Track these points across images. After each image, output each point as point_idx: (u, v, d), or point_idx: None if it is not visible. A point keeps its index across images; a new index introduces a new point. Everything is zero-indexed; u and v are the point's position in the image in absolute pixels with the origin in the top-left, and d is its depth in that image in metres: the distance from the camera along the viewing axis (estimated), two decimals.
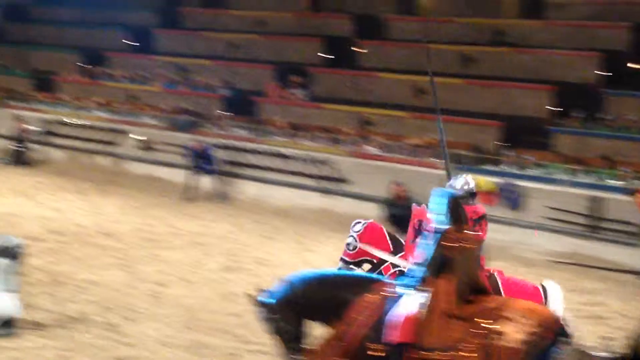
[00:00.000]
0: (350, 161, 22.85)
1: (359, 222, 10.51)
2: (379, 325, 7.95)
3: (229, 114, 26.40)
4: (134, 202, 21.69)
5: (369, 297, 8.13)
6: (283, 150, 23.71)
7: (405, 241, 10.09)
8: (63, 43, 34.26)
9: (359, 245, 10.31)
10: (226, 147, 24.01)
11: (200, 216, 20.60)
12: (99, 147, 25.99)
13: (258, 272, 15.38)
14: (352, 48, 27.86)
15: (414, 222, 10.01)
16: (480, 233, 9.36)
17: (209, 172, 22.73)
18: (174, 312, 12.88)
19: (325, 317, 8.31)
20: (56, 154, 26.61)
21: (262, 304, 8.65)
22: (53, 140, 26.80)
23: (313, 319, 8.51)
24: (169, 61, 30.22)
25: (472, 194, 10.08)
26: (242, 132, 25.20)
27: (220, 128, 25.53)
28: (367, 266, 10.24)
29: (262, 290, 8.74)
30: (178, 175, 23.56)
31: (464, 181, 10.19)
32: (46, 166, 25.82)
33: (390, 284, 8.25)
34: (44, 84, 32.02)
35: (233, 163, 23.81)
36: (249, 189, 23.37)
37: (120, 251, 16.54)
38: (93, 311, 12.68)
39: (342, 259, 10.43)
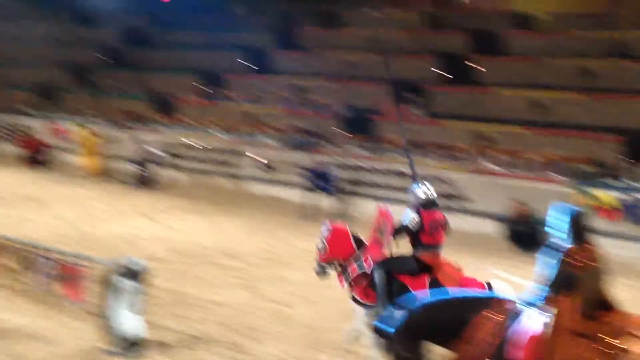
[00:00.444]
0: (469, 178, 22.67)
1: (325, 226, 11.75)
2: (501, 344, 7.89)
3: (346, 132, 26.47)
4: (255, 222, 21.90)
5: (489, 316, 8.07)
6: (401, 168, 23.65)
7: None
8: (182, 66, 34.87)
9: (327, 246, 11.59)
10: (344, 166, 24.08)
11: None
12: (219, 168, 26.34)
13: None
14: (469, 64, 27.69)
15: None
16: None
17: (328, 191, 22.80)
18: (297, 332, 12.96)
19: (445, 340, 8.26)
20: (178, 176, 27.07)
21: (381, 333, 8.61)
22: (174, 162, 27.26)
23: (432, 342, 8.46)
24: (287, 81, 30.48)
25: (433, 202, 11.20)
26: (360, 151, 25.23)
27: (338, 147, 25.60)
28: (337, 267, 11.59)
29: (380, 318, 8.72)
30: (298, 195, 23.70)
31: (425, 188, 11.25)
32: (168, 188, 26.27)
33: (510, 301, 8.18)
34: (164, 107, 32.62)
35: (352, 182, 23.85)
36: (368, 208, 23.35)
37: (242, 271, 16.72)
38: (217, 331, 12.86)
39: (316, 262, 11.75)
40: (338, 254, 11.67)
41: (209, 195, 25.08)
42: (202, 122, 29.36)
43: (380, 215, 11.56)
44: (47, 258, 12.82)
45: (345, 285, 11.65)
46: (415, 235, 11.16)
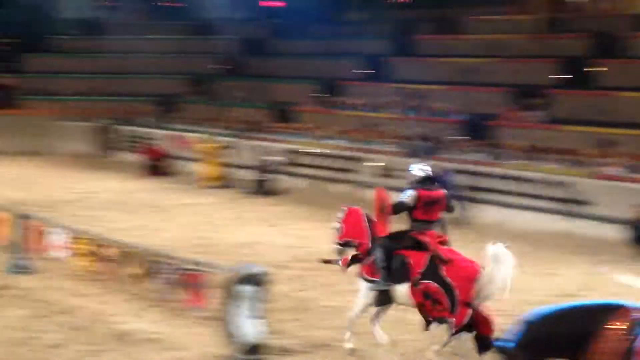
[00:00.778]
0: (592, 183, 22.25)
1: (343, 209, 12.60)
2: (628, 353, 7.68)
3: (465, 138, 26.28)
4: None
5: (614, 325, 7.85)
6: (521, 174, 23.37)
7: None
8: (300, 74, 35.18)
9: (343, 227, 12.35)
10: (464, 172, 23.89)
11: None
12: (338, 175, 26.43)
13: (503, 298, 15.17)
14: (590, 68, 27.24)
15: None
16: None
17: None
18: (415, 337, 12.90)
19: (568, 353, 8.03)
20: (297, 183, 27.25)
21: (502, 350, 8.45)
22: (294, 170, 27.46)
23: (555, 356, 8.24)
24: (404, 88, 30.44)
25: (429, 180, 11.92)
26: (479, 157, 25.01)
27: (457, 153, 25.43)
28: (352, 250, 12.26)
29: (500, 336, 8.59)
30: None
31: (421, 167, 12.07)
32: (288, 195, 26.47)
33: (636, 309, 7.95)
34: (283, 115, 32.91)
35: (471, 188, 23.66)
36: (488, 214, 23.14)
37: None
38: (339, 337, 12.88)
39: (334, 242, 12.49)
40: (352, 234, 12.30)
41: (328, 201, 25.11)
42: (322, 129, 29.50)
43: (379, 195, 12.23)
44: (170, 265, 13.05)
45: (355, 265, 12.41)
46: (410, 211, 11.75)
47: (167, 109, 36.27)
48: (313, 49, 36.68)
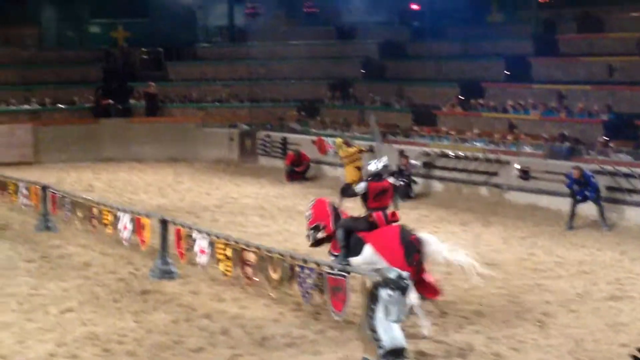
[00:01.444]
0: None
1: (311, 199, 15.71)
2: None
3: (609, 139, 25.65)
4: (515, 231, 21.58)
5: None
6: None
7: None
8: (441, 76, 34.99)
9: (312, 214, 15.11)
10: (608, 173, 23.32)
11: (584, 244, 20.11)
12: (480, 177, 26.16)
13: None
14: None
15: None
16: None
17: (591, 199, 22.14)
18: (559, 342, 12.69)
19: None
20: (438, 186, 27.08)
21: None
22: (434, 173, 27.29)
23: None
24: (547, 89, 29.94)
25: (379, 174, 14.45)
26: (624, 157, 24.35)
27: (601, 154, 24.83)
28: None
29: None
30: (560, 204, 23.19)
31: (375, 164, 14.53)
32: (429, 199, 26.33)
33: None
34: (424, 118, 32.74)
35: (616, 189, 23.07)
36: (633, 215, 22.51)
37: (504, 281, 16.52)
38: (479, 341, 12.78)
39: (306, 229, 15.34)
40: (319, 218, 14.98)
41: (470, 205, 24.93)
42: (463, 132, 29.25)
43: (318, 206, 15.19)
44: (309, 269, 13.11)
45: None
46: (364, 200, 14.42)
47: (308, 113, 36.53)
48: (453, 50, 36.44)
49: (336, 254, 14.45)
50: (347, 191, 15.44)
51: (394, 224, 14.33)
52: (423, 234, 14.25)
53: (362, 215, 14.56)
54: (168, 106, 38.77)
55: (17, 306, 14.93)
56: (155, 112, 38.12)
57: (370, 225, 14.23)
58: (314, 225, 15.08)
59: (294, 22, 43.46)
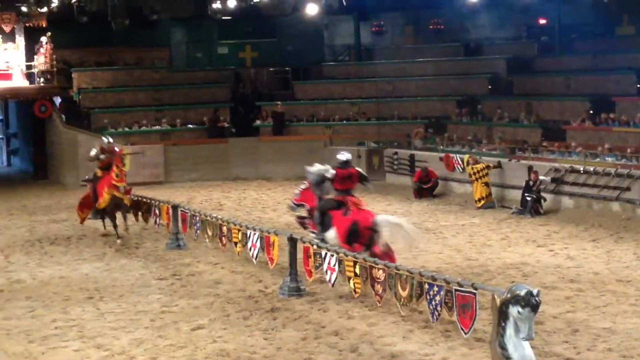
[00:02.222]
0: None
1: (302, 184, 19.70)
2: None
3: None
4: None
5: None
6: None
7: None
8: (570, 91, 34.47)
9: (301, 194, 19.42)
10: None
11: None
12: (611, 193, 25.61)
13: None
14: None
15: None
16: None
17: None
18: None
19: None
20: (568, 202, 26.62)
21: None
22: (564, 189, 26.84)
23: None
24: None
25: (346, 162, 18.19)
26: None
27: None
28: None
29: None
30: None
31: (342, 154, 18.51)
32: (558, 215, 25.91)
33: None
34: (553, 133, 32.28)
35: None
36: None
37: (636, 298, 16.14)
38: (607, 358, 12.51)
39: (291, 201, 20.15)
40: (306, 201, 19.13)
41: (601, 221, 24.42)
42: (592, 147, 28.74)
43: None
44: (438, 286, 13.04)
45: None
46: (332, 184, 17.93)
47: (435, 130, 36.40)
48: (583, 64, 35.87)
49: (315, 231, 18.31)
50: (320, 179, 18.09)
51: (364, 210, 17.58)
52: (381, 216, 17.45)
53: (331, 197, 18.05)
54: (295, 125, 39.10)
55: (149, 323, 15.26)
56: (282, 131, 38.49)
57: (337, 203, 17.70)
58: (299, 202, 19.50)
59: (420, 39, 43.47)
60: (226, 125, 38.48)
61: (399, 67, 40.90)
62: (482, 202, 27.80)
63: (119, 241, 22.67)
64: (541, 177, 26.46)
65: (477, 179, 28.14)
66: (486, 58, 40.26)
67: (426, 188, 30.46)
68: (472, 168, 28.41)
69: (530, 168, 27.35)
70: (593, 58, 35.64)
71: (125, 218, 23.20)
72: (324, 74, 42.76)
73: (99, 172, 23.41)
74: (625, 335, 13.84)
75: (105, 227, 23.88)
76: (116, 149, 23.49)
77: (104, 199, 22.73)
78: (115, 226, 23.07)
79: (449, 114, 37.76)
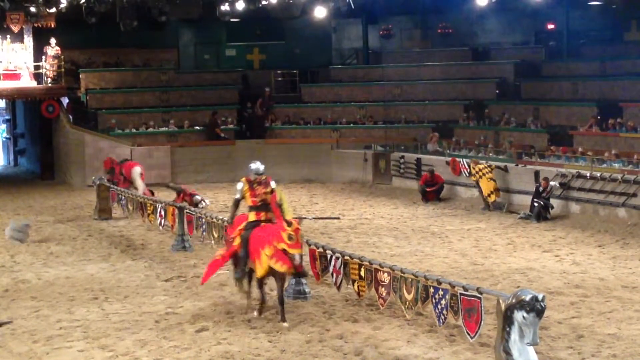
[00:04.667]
0: None
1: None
2: None
3: None
4: None
5: None
6: None
7: None
8: (577, 96, 34.43)
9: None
10: None
11: None
12: (617, 199, 25.56)
13: None
14: None
15: None
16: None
17: None
18: None
19: None
20: (574, 208, 26.59)
21: None
22: (570, 194, 26.80)
23: None
24: None
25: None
26: None
27: None
28: None
29: None
30: None
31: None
32: (564, 220, 25.88)
33: None
34: (560, 139, 32.24)
35: None
36: None
37: None
38: None
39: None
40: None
41: (607, 227, 24.39)
42: (600, 153, 28.70)
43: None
44: (443, 290, 13.03)
45: None
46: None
47: (442, 135, 36.37)
48: (591, 70, 35.83)
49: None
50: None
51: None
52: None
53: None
54: (302, 128, 39.13)
55: (154, 324, 15.26)
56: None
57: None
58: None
59: (428, 43, 43.44)
60: (222, 135, 38.43)
61: (406, 71, 40.87)
62: (493, 196, 27.78)
63: (255, 314, 15.82)
64: (552, 183, 26.43)
65: (481, 176, 28.19)
66: (494, 63, 40.21)
67: (430, 191, 30.38)
68: (475, 167, 28.51)
69: (537, 173, 27.34)
70: (601, 63, 35.59)
71: (282, 286, 15.60)
72: (331, 77, 42.75)
73: (253, 215, 15.83)
74: (630, 341, 13.82)
75: (247, 290, 16.32)
76: (272, 184, 16.00)
77: (261, 267, 15.30)
78: (263, 299, 15.95)
79: (456, 118, 37.72)
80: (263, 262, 15.16)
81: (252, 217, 15.77)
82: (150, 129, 38.33)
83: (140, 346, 13.99)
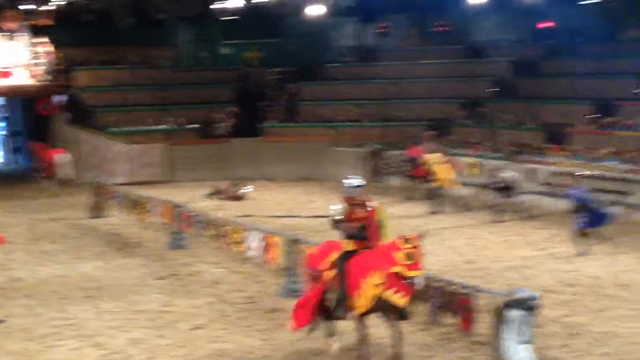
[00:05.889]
0: None
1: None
2: None
3: None
4: None
5: None
6: None
7: None
8: (573, 95, 34.39)
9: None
10: None
11: None
12: (611, 197, 25.54)
13: None
14: None
15: None
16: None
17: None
18: None
19: None
20: (567, 206, 26.55)
21: None
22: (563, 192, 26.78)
23: None
24: None
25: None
26: None
27: None
28: None
29: None
30: None
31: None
32: (558, 218, 25.85)
33: None
34: (555, 137, 32.25)
35: None
36: None
37: (635, 302, 16.17)
38: None
39: None
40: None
41: None
42: (595, 151, 28.71)
43: None
44: (439, 289, 13.05)
45: None
46: None
47: (440, 132, 36.33)
48: (587, 68, 35.80)
49: None
50: None
51: None
52: None
53: None
54: (299, 126, 39.13)
55: (148, 322, 15.27)
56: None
57: None
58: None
59: (424, 41, 43.39)
60: (220, 127, 38.44)
61: (403, 69, 40.82)
62: (449, 182, 27.61)
63: None
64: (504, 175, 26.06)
65: (437, 164, 28.02)
66: (491, 60, 40.16)
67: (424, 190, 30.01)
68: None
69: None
70: (597, 62, 35.56)
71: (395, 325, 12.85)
72: (328, 75, 42.71)
73: (350, 244, 12.97)
74: (623, 339, 13.83)
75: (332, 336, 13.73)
76: (372, 203, 13.24)
77: (365, 299, 12.49)
78: (363, 339, 13.02)
79: (453, 117, 37.70)
80: (367, 292, 12.23)
81: (348, 246, 12.84)
82: (147, 127, 38.27)
83: (133, 344, 13.99)
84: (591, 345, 13.55)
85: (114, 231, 24.60)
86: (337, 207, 13.14)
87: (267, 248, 17.85)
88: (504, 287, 15.87)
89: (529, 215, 25.87)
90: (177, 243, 21.82)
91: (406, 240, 12.10)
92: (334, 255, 12.86)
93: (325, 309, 12.99)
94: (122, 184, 31.90)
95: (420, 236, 12.23)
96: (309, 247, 16.39)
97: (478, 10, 38.77)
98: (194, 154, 37.05)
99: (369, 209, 12.91)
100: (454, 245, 22.12)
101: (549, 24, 39.81)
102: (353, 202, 12.99)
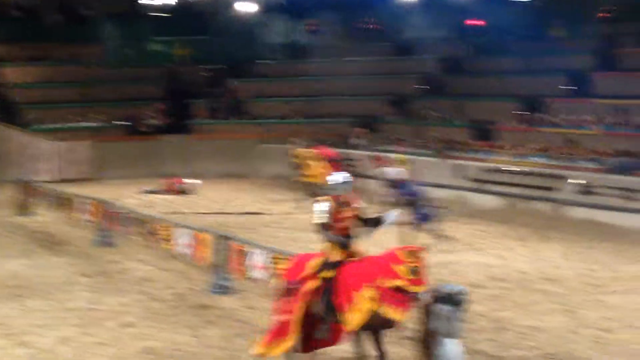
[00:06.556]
0: None
1: None
2: None
3: None
4: (574, 247, 21.41)
5: None
6: None
7: None
8: (501, 92, 34.77)
9: None
10: None
11: None
12: (538, 193, 25.92)
13: None
14: None
15: None
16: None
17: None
18: (617, 358, 12.54)
19: None
20: (495, 202, 26.88)
21: None
22: (491, 188, 27.10)
23: None
24: (608, 103, 29.65)
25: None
26: None
27: None
28: None
29: None
30: (620, 219, 22.96)
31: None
32: (486, 214, 26.14)
33: None
34: (483, 133, 32.59)
35: None
36: None
37: (562, 297, 16.40)
38: (535, 357, 12.70)
39: None
40: None
41: (528, 220, 24.73)
42: (521, 147, 29.05)
43: None
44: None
45: None
46: None
47: (368, 129, 36.49)
48: (514, 66, 36.21)
49: None
50: None
51: None
52: None
53: None
54: (228, 123, 39.05)
55: (76, 320, 15.07)
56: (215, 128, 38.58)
57: None
58: None
59: (353, 38, 43.54)
60: (148, 124, 38.17)
61: (332, 66, 40.94)
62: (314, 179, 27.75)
63: None
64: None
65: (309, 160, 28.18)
66: (419, 58, 40.43)
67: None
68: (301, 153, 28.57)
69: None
70: (525, 59, 35.97)
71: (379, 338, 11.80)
72: (258, 72, 42.66)
73: (337, 253, 11.75)
74: (551, 333, 14.01)
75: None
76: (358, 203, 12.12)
77: (359, 313, 11.17)
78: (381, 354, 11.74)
79: (381, 113, 37.87)
80: (361, 305, 10.97)
81: (335, 254, 11.52)
82: (72, 124, 37.82)
83: (62, 343, 13.80)
84: (518, 339, 13.70)
85: (40, 229, 24.26)
86: (322, 207, 11.74)
87: (196, 245, 17.73)
88: (431, 282, 15.97)
89: (457, 211, 26.05)
90: (104, 241, 21.60)
91: (410, 253, 11.14)
92: (315, 263, 11.67)
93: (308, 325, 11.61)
94: (48, 182, 31.43)
95: (425, 249, 11.39)
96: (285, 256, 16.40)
97: (407, 8, 39.00)
98: (122, 151, 36.72)
99: (356, 208, 11.82)
100: (379, 241, 22.05)
101: (478, 22, 40.19)
102: (339, 200, 11.75)
